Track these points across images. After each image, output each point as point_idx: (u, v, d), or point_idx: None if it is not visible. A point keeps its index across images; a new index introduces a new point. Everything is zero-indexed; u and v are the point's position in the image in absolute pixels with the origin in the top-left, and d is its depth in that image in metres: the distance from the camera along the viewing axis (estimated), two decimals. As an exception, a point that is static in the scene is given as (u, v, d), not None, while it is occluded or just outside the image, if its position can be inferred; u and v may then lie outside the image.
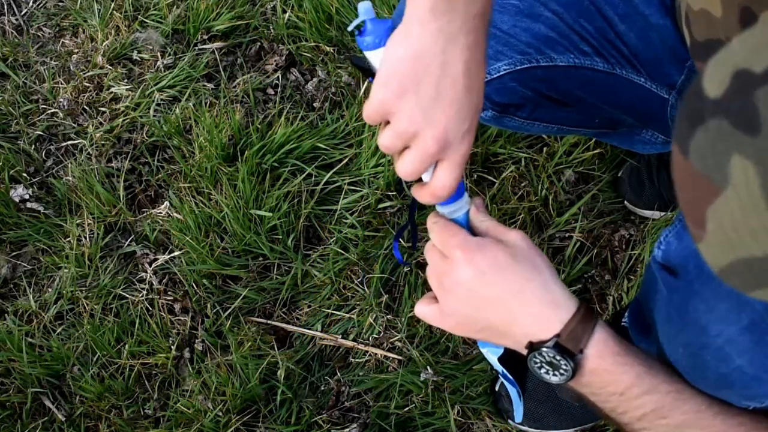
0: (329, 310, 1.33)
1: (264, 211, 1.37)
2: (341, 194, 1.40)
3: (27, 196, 1.42)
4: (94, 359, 1.29)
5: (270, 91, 1.55)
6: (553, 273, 0.71)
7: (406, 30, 0.64)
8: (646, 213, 1.38)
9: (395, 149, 0.68)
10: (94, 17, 1.62)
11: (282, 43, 1.59)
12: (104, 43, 1.58)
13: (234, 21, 1.59)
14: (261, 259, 1.37)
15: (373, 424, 1.24)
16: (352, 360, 1.30)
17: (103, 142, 1.48)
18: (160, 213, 1.41)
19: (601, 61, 0.95)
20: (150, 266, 1.36)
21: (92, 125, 1.50)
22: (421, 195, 0.72)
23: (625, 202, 1.40)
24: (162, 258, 1.37)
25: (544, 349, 0.68)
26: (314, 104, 1.52)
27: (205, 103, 1.51)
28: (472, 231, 0.77)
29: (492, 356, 0.82)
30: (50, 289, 1.36)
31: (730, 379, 0.66)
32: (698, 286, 0.66)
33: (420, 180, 0.72)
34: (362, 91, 1.51)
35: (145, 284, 1.35)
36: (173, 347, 1.28)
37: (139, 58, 1.57)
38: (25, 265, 1.40)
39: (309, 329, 1.32)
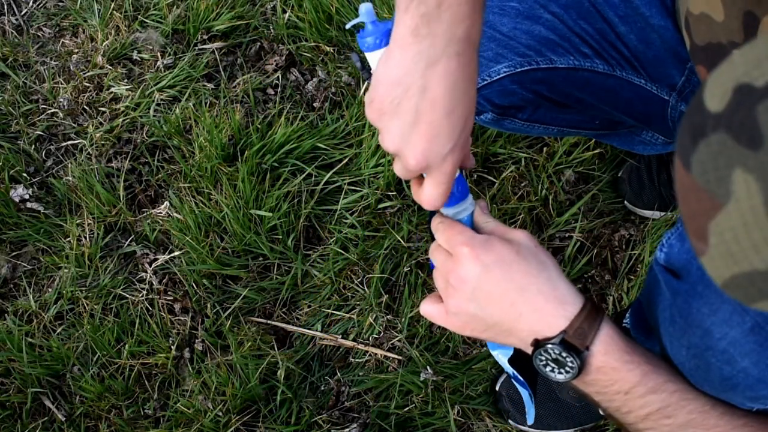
0: (329, 310, 1.33)
1: (264, 211, 1.37)
2: (341, 194, 1.40)
3: (27, 196, 1.42)
4: (94, 359, 1.29)
5: (270, 91, 1.55)
6: (559, 270, 0.71)
7: (390, 51, 0.64)
8: (646, 213, 1.38)
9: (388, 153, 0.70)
10: (94, 17, 1.62)
11: (282, 43, 1.59)
12: (104, 43, 1.57)
13: (234, 21, 1.59)
14: (261, 259, 1.37)
15: (373, 424, 1.24)
16: (352, 360, 1.30)
17: (103, 142, 1.48)
18: (160, 213, 1.41)
19: (601, 62, 0.95)
20: (150, 266, 1.36)
21: (92, 125, 1.50)
22: (416, 195, 0.73)
23: (625, 202, 1.40)
24: (162, 258, 1.37)
25: (550, 345, 0.67)
26: (314, 104, 1.52)
27: (205, 103, 1.51)
28: (477, 232, 0.77)
29: (502, 358, 0.82)
30: (50, 289, 1.36)
31: (734, 381, 0.66)
32: (701, 288, 0.66)
33: (420, 177, 0.72)
34: (362, 90, 1.51)
35: (145, 284, 1.35)
36: (173, 347, 1.28)
37: (139, 58, 1.57)
38: (25, 265, 1.40)
39: (309, 329, 1.32)
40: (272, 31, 1.61)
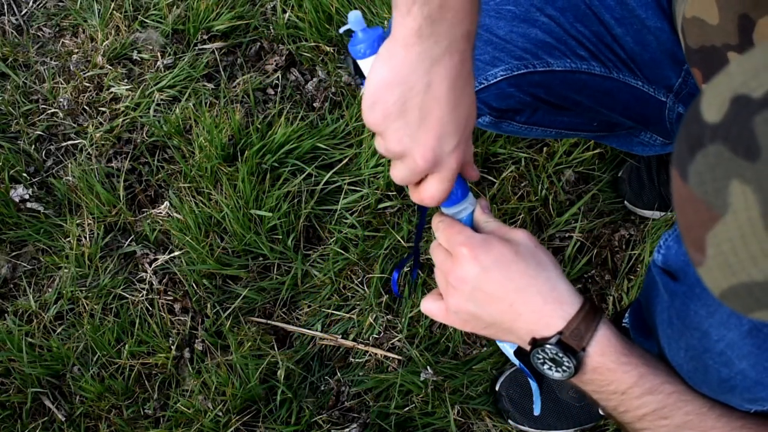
0: (329, 310, 1.33)
1: (264, 211, 1.37)
2: (341, 194, 1.40)
3: (27, 196, 1.42)
4: (94, 359, 1.29)
5: (270, 91, 1.55)
6: (558, 270, 0.71)
7: (391, 51, 0.64)
8: (646, 213, 1.38)
9: (388, 158, 0.69)
10: (94, 17, 1.62)
11: (282, 43, 1.59)
12: (104, 43, 1.57)
13: (234, 21, 1.59)
14: (261, 259, 1.37)
15: (373, 424, 1.24)
16: (352, 360, 1.30)
17: (103, 142, 1.48)
18: (160, 213, 1.41)
19: (597, 65, 0.95)
20: (150, 266, 1.36)
21: (92, 125, 1.50)
22: (414, 196, 0.73)
23: (625, 202, 1.40)
24: (162, 258, 1.37)
25: (547, 346, 0.68)
26: (314, 104, 1.52)
27: (205, 103, 1.51)
28: (477, 231, 0.77)
29: (509, 349, 0.83)
30: (50, 289, 1.36)
31: (732, 382, 0.66)
32: (699, 290, 0.66)
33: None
34: (360, 94, 1.51)
35: (145, 284, 1.35)
36: (173, 347, 1.28)
37: (139, 58, 1.57)
38: (25, 265, 1.40)
39: (309, 329, 1.32)
40: (272, 31, 1.61)
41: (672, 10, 0.91)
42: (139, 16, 1.62)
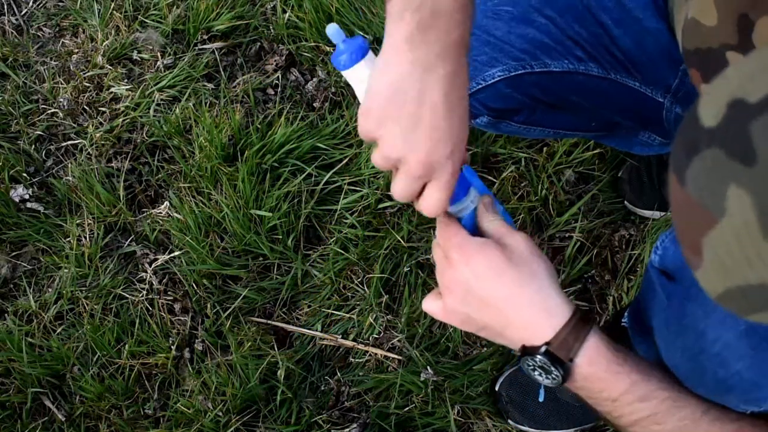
0: (329, 310, 1.33)
1: (264, 211, 1.37)
2: (341, 194, 1.40)
3: (27, 196, 1.42)
4: (94, 359, 1.29)
5: (270, 91, 1.55)
6: (551, 279, 0.71)
7: (386, 59, 0.65)
8: (646, 213, 1.38)
9: (386, 169, 0.69)
10: (94, 17, 1.62)
11: (282, 43, 1.59)
12: (104, 43, 1.57)
13: (234, 21, 1.59)
14: (261, 259, 1.37)
15: (373, 424, 1.24)
16: (352, 360, 1.30)
17: (103, 142, 1.48)
18: (160, 213, 1.41)
19: (595, 66, 0.95)
20: (150, 266, 1.36)
21: (92, 125, 1.50)
22: (418, 207, 0.73)
23: (625, 202, 1.40)
24: (162, 258, 1.37)
25: (537, 355, 0.69)
26: (314, 104, 1.52)
27: (205, 103, 1.51)
28: (479, 230, 0.77)
29: None
30: (50, 289, 1.36)
31: (729, 383, 0.66)
32: (696, 291, 0.66)
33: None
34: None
35: (145, 284, 1.35)
36: (173, 347, 1.28)
37: (139, 58, 1.57)
38: (25, 265, 1.40)
39: (309, 329, 1.32)
40: (272, 31, 1.61)
41: (669, 9, 0.91)
42: (139, 16, 1.62)
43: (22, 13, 1.67)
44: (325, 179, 1.41)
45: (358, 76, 0.69)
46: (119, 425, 1.24)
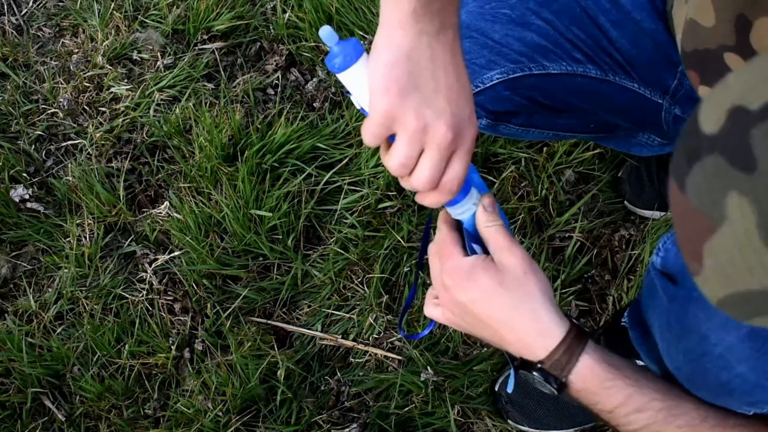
0: (329, 310, 1.33)
1: (264, 211, 1.37)
2: (341, 194, 1.40)
3: (27, 196, 1.42)
4: (94, 359, 1.29)
5: (270, 91, 1.55)
6: (545, 298, 0.71)
7: (388, 36, 0.65)
8: (646, 213, 1.38)
9: (412, 160, 0.68)
10: (94, 17, 1.62)
11: (282, 43, 1.59)
12: (104, 43, 1.57)
13: (234, 21, 1.59)
14: (261, 259, 1.37)
15: (373, 424, 1.24)
16: (352, 360, 1.30)
17: (103, 142, 1.48)
18: (160, 213, 1.41)
19: (593, 68, 0.95)
20: (150, 266, 1.36)
21: (92, 125, 1.50)
22: (430, 198, 0.72)
23: (625, 202, 1.40)
24: (162, 258, 1.37)
25: (533, 371, 0.71)
26: (314, 104, 1.52)
27: (205, 103, 1.51)
28: (478, 233, 0.77)
29: None
30: (50, 289, 1.36)
31: (731, 386, 0.66)
32: (698, 293, 0.66)
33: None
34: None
35: (145, 284, 1.35)
36: (173, 347, 1.29)
37: (139, 58, 1.57)
38: (25, 265, 1.40)
39: (309, 329, 1.32)
40: (272, 31, 1.61)
41: (667, 12, 0.91)
42: (139, 16, 1.62)
43: (22, 13, 1.67)
44: (325, 179, 1.41)
45: (354, 78, 0.69)
46: (119, 425, 1.24)
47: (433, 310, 0.77)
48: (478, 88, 0.96)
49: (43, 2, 1.69)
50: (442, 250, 0.75)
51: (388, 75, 0.65)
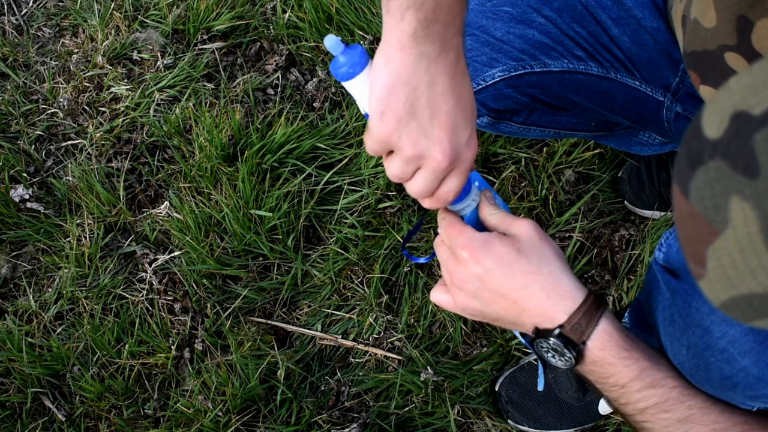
0: (329, 310, 1.33)
1: (264, 211, 1.37)
2: (341, 194, 1.40)
3: (27, 196, 1.42)
4: (94, 359, 1.29)
5: (270, 91, 1.55)
6: (562, 262, 0.71)
7: (388, 57, 0.64)
8: (646, 213, 1.38)
9: (407, 176, 0.69)
10: (94, 17, 1.62)
11: (282, 43, 1.59)
12: (104, 43, 1.58)
13: (234, 21, 1.59)
14: (261, 259, 1.37)
15: (373, 424, 1.24)
16: (352, 360, 1.30)
17: (103, 142, 1.48)
18: (160, 213, 1.41)
19: (595, 65, 0.95)
20: (150, 266, 1.36)
21: (92, 125, 1.50)
22: (426, 203, 0.73)
23: (625, 202, 1.40)
24: (162, 258, 1.37)
25: (550, 338, 0.70)
26: (314, 104, 1.52)
27: (205, 103, 1.51)
28: (483, 225, 0.77)
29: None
30: (50, 289, 1.36)
31: (734, 380, 0.66)
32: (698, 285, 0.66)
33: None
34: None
35: (145, 284, 1.35)
36: (173, 347, 1.28)
37: (139, 58, 1.57)
38: (25, 265, 1.40)
39: (309, 329, 1.32)
40: (272, 31, 1.61)
41: (668, 10, 0.91)
42: (139, 16, 1.62)
43: (22, 13, 1.67)
44: (325, 179, 1.41)
45: (360, 86, 0.68)
46: (119, 425, 1.24)
47: (441, 295, 0.76)
48: (480, 86, 0.96)
49: (43, 2, 1.69)
50: (451, 229, 0.74)
51: (385, 100, 0.65)
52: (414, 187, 0.69)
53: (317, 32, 1.57)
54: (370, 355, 1.30)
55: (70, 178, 1.45)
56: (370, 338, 1.31)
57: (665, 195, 1.36)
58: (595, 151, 1.42)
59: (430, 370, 1.26)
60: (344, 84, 0.69)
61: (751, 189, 0.37)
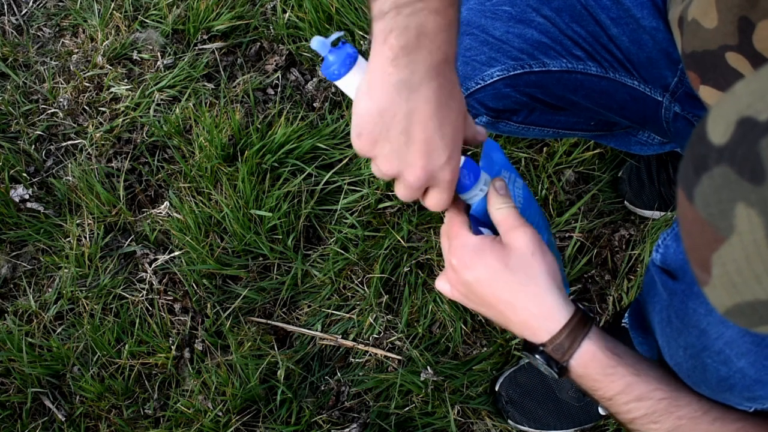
0: (329, 310, 1.33)
1: (264, 211, 1.37)
2: (341, 194, 1.40)
3: (27, 196, 1.43)
4: (94, 359, 1.29)
5: (270, 91, 1.55)
6: (551, 280, 0.71)
7: (370, 82, 0.64)
8: (646, 213, 1.38)
9: (387, 179, 0.70)
10: (94, 17, 1.62)
11: (282, 43, 1.59)
12: (104, 43, 1.58)
13: (234, 21, 1.59)
14: (261, 259, 1.37)
15: (373, 424, 1.24)
16: (352, 360, 1.30)
17: (103, 142, 1.48)
18: (160, 213, 1.41)
19: (594, 65, 0.95)
20: (150, 266, 1.36)
21: (92, 125, 1.50)
22: (424, 203, 0.73)
23: (625, 202, 1.40)
24: (162, 258, 1.37)
25: (535, 353, 0.70)
26: (314, 104, 1.52)
27: (205, 103, 1.51)
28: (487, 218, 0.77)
29: None
30: (50, 289, 1.36)
31: (731, 381, 0.66)
32: (697, 288, 0.66)
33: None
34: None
35: (145, 284, 1.35)
36: (173, 347, 1.28)
37: (139, 58, 1.57)
38: (25, 265, 1.40)
39: (309, 329, 1.32)
40: (272, 31, 1.61)
41: (667, 10, 0.91)
42: (139, 16, 1.62)
43: (22, 13, 1.67)
44: (325, 179, 1.41)
45: (351, 83, 0.68)
46: (119, 425, 1.24)
47: (443, 285, 0.77)
48: (479, 85, 0.96)
49: (43, 2, 1.69)
50: (450, 229, 0.74)
51: (362, 123, 0.65)
52: (397, 192, 0.70)
53: (317, 32, 1.57)
54: (370, 355, 1.30)
55: (70, 178, 1.45)
56: (370, 338, 1.31)
57: (665, 195, 1.36)
58: (595, 151, 1.42)
59: (430, 370, 1.26)
60: (336, 83, 0.69)
61: (757, 195, 0.37)
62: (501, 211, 0.74)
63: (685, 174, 0.41)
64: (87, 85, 1.54)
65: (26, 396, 1.26)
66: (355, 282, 1.34)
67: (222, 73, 1.55)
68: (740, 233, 0.38)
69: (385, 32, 0.61)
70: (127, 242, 1.39)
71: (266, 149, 1.42)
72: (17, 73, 1.57)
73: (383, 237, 1.36)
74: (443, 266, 0.83)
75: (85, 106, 1.53)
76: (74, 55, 1.59)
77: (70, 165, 1.46)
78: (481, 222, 0.77)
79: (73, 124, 1.52)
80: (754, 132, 0.37)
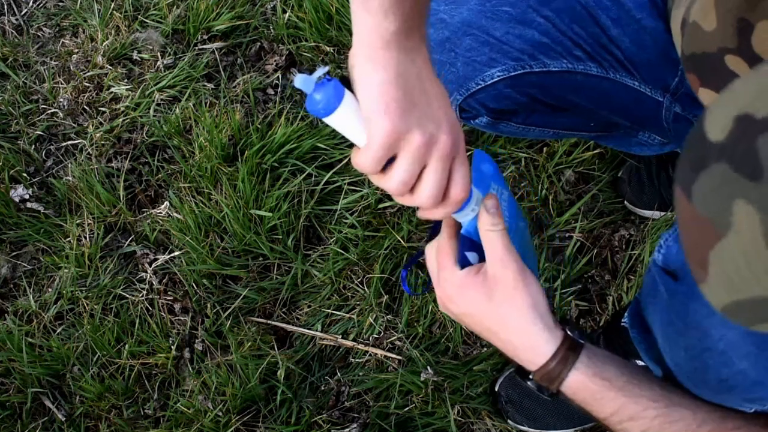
0: (329, 310, 1.33)
1: (264, 211, 1.37)
2: (341, 194, 1.40)
3: (27, 196, 1.43)
4: (94, 359, 1.29)
5: (270, 91, 1.55)
6: (535, 313, 0.71)
7: (372, 58, 0.63)
8: (646, 213, 1.38)
9: (414, 176, 0.66)
10: (94, 17, 1.62)
11: (282, 43, 1.59)
12: (104, 43, 1.58)
13: (234, 21, 1.59)
14: (261, 259, 1.37)
15: (373, 424, 1.24)
16: (352, 360, 1.30)
17: (103, 142, 1.48)
18: (160, 213, 1.41)
19: (594, 65, 0.95)
20: (150, 266, 1.36)
21: (92, 125, 1.50)
22: (438, 211, 0.69)
23: (625, 202, 1.40)
24: (162, 258, 1.37)
25: (527, 380, 0.73)
26: (314, 104, 1.52)
27: (205, 103, 1.51)
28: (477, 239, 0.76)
29: None
30: (50, 289, 1.36)
31: (731, 382, 0.66)
32: (699, 289, 0.66)
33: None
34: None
35: (145, 284, 1.35)
36: (173, 347, 1.28)
37: (139, 58, 1.57)
38: (25, 265, 1.40)
39: (309, 329, 1.32)
40: (272, 31, 1.61)
41: (668, 10, 0.91)
42: (139, 16, 1.62)
43: (22, 13, 1.67)
44: (325, 179, 1.41)
45: (343, 117, 0.65)
46: (119, 425, 1.24)
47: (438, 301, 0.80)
48: (479, 86, 0.96)
49: (43, 2, 1.69)
50: (439, 256, 0.75)
51: (385, 94, 0.63)
52: (425, 190, 0.66)
53: (317, 32, 1.57)
54: (370, 355, 1.30)
55: (70, 178, 1.45)
56: (370, 338, 1.31)
57: (665, 195, 1.36)
58: (595, 151, 1.42)
59: (430, 370, 1.26)
60: (326, 120, 0.65)
61: (756, 192, 0.37)
62: (491, 235, 0.72)
63: (683, 172, 0.41)
64: (87, 85, 1.54)
65: (26, 396, 1.26)
66: (355, 282, 1.34)
67: (222, 73, 1.55)
68: (738, 230, 0.38)
69: (384, 8, 0.62)
70: (127, 242, 1.39)
71: (266, 149, 1.42)
72: (17, 73, 1.57)
73: (383, 237, 1.36)
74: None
75: (85, 106, 1.53)
76: (74, 55, 1.59)
77: (70, 165, 1.46)
78: (469, 243, 0.75)
79: (73, 124, 1.52)
80: (753, 129, 0.37)
